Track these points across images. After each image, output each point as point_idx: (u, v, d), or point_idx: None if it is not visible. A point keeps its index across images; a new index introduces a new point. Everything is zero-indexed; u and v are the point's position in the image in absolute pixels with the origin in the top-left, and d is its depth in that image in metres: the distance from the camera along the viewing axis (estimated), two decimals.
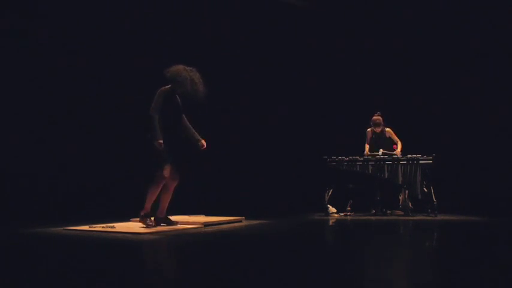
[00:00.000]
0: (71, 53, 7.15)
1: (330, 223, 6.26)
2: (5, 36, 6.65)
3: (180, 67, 5.17)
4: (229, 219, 5.88)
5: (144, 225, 5.03)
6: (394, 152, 7.09)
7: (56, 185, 6.87)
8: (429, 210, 6.80)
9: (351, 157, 7.19)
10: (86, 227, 4.99)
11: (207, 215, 6.35)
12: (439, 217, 6.61)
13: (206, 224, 5.43)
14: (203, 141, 5.35)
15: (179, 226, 5.23)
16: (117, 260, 3.41)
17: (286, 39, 8.74)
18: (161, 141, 4.93)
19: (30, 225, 5.33)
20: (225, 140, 8.20)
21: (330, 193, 7.27)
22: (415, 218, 6.69)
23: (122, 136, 7.18)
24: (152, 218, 5.18)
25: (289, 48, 8.80)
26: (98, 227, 4.94)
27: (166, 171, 4.99)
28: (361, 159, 7.15)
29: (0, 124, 6.60)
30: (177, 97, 5.24)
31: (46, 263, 3.24)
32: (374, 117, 7.34)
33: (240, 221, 5.97)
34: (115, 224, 5.11)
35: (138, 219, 5.14)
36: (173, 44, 7.59)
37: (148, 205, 5.08)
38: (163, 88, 5.14)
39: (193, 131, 5.38)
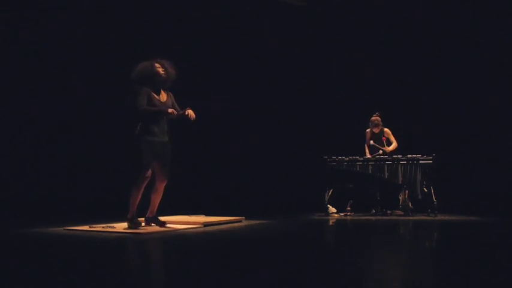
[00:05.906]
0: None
1: (330, 223, 6.26)
2: None
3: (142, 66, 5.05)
4: (229, 219, 5.88)
5: (131, 227, 4.94)
6: (383, 147, 7.08)
7: (56, 185, 6.87)
8: (429, 210, 6.80)
9: (351, 157, 7.18)
10: (86, 227, 4.99)
11: (207, 215, 6.35)
12: (439, 217, 6.61)
13: (206, 224, 5.43)
14: (189, 111, 5.06)
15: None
16: (117, 260, 3.41)
17: (286, 38, 8.74)
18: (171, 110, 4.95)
19: (30, 225, 5.33)
20: (225, 140, 8.21)
21: (330, 193, 7.27)
22: (415, 218, 6.69)
23: (122, 136, 7.18)
24: (143, 219, 5.14)
25: (290, 47, 8.80)
26: (98, 227, 4.94)
27: (143, 175, 4.95)
28: (361, 159, 7.15)
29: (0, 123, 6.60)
30: (161, 96, 5.09)
31: (46, 263, 3.24)
32: (373, 118, 7.34)
33: (240, 221, 5.97)
34: (115, 224, 5.11)
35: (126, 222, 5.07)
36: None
37: (133, 208, 4.97)
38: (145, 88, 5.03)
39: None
